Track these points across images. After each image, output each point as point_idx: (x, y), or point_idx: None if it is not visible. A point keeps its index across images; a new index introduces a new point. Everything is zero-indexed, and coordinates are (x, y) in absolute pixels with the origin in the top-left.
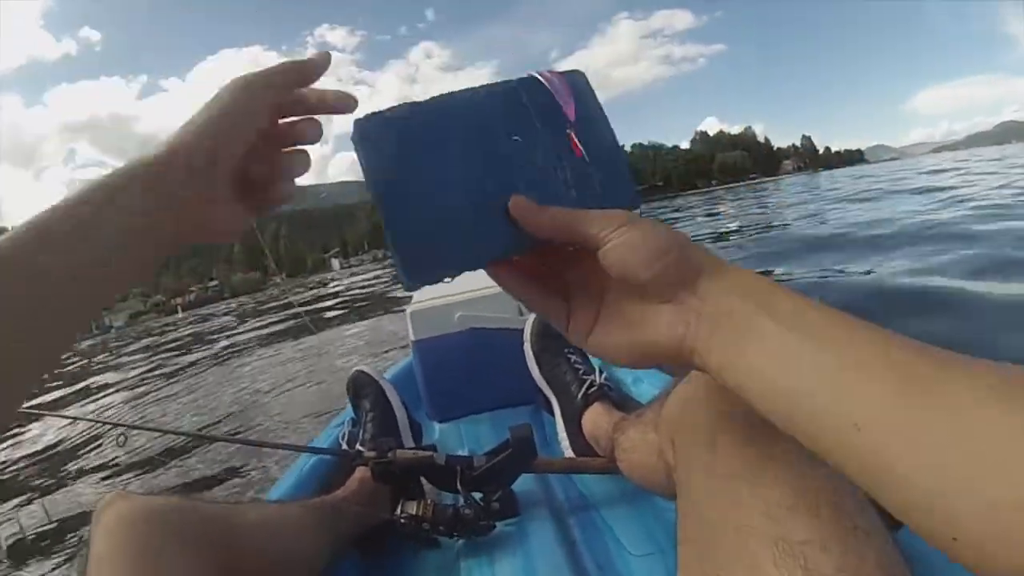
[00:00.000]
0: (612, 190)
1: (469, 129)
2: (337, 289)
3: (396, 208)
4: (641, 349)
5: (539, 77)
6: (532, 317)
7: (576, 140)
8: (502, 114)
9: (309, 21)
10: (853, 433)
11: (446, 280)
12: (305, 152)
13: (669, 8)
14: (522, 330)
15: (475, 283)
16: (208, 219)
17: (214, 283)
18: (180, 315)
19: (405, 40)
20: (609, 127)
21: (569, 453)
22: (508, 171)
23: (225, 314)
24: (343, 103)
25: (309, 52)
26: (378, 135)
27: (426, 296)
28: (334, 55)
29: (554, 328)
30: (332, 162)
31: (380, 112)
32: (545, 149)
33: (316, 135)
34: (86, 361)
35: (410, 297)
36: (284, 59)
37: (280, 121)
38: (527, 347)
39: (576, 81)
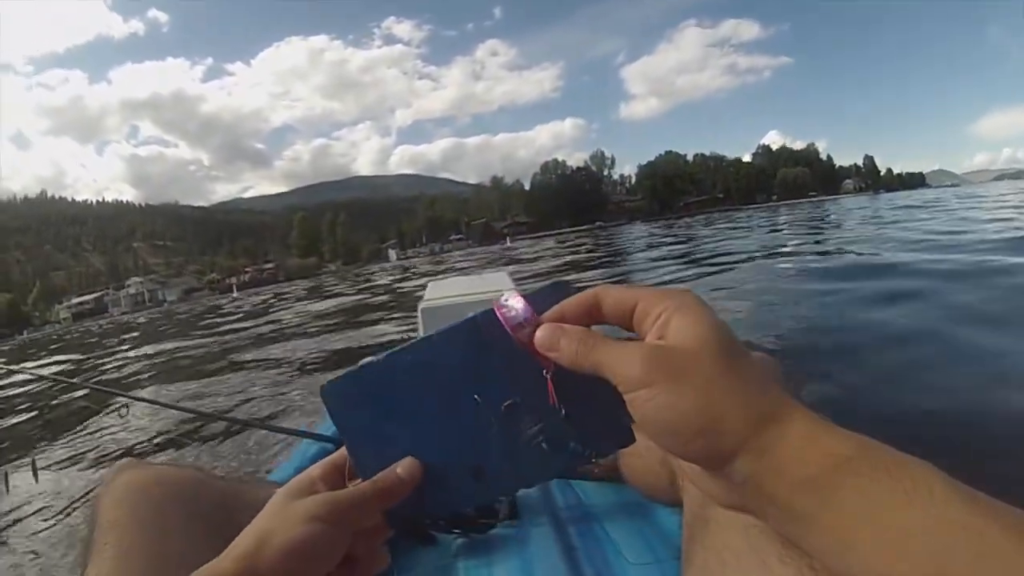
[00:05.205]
0: (595, 436)
1: (432, 388)
2: None
3: (365, 458)
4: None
5: (500, 316)
6: None
7: (551, 383)
8: (461, 368)
9: (376, 13)
10: None
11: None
12: (382, 543)
13: (737, 17)
14: None
15: (487, 285)
16: None
17: (269, 265)
18: (235, 294)
19: (471, 36)
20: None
21: None
22: (473, 430)
23: None
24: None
25: (376, 44)
26: (341, 395)
27: (438, 294)
28: (399, 48)
29: None
30: (394, 154)
31: (346, 373)
32: (511, 399)
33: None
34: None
35: None
36: (348, 50)
37: None
38: None
39: (554, 296)
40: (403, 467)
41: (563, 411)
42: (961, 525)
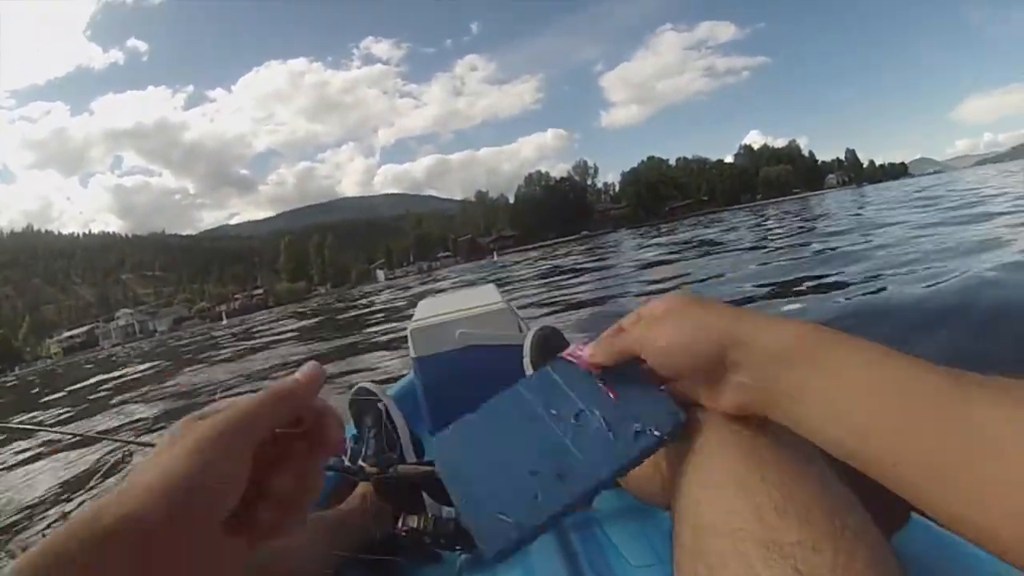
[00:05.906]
0: (651, 419)
1: (515, 420)
2: None
3: (468, 493)
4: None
5: (565, 357)
6: (531, 333)
7: (608, 387)
8: (539, 396)
9: (355, 33)
10: (892, 469)
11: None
12: (313, 469)
13: (712, 19)
14: (522, 346)
15: (475, 300)
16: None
17: (258, 291)
18: (224, 322)
19: (450, 52)
20: (638, 369)
21: None
22: (552, 439)
23: None
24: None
25: (355, 64)
26: (447, 443)
27: (427, 314)
28: (379, 68)
29: (553, 344)
30: (378, 174)
31: (450, 426)
32: (578, 408)
33: (336, 439)
34: None
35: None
36: (328, 72)
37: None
38: (527, 363)
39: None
40: (302, 371)
41: (616, 399)
42: (917, 380)
